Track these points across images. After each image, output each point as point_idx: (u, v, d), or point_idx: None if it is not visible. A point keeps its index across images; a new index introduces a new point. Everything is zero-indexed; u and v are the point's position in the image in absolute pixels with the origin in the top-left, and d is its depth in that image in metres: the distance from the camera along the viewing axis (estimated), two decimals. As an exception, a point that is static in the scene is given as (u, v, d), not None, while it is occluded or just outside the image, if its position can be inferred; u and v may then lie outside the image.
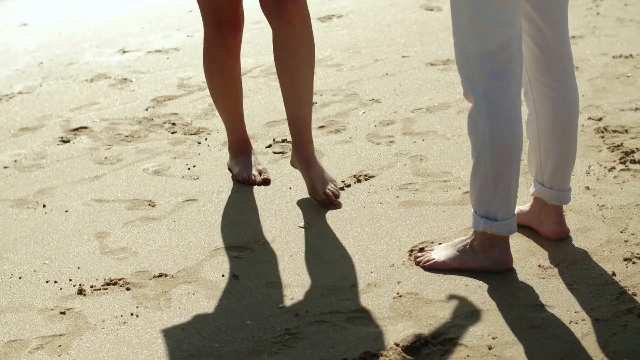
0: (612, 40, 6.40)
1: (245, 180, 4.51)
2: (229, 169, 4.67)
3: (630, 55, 6.03)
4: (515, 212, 3.86)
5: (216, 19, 4.29)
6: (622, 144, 4.61)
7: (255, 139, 5.07)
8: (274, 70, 6.12)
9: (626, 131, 4.80)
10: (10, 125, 5.59)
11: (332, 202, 4.23)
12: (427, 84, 5.79)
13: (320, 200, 4.23)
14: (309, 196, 4.31)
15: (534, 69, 3.57)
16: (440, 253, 3.65)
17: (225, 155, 4.84)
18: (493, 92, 3.36)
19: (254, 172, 4.55)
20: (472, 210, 3.56)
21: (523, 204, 3.95)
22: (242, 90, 4.53)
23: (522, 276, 3.54)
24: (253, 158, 4.62)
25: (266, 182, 4.51)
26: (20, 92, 6.19)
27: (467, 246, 3.59)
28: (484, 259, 3.55)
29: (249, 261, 3.82)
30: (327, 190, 4.24)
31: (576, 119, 3.63)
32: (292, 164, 4.45)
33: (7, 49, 7.30)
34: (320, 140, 4.96)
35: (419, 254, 3.70)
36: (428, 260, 3.64)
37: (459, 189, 4.30)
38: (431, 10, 7.56)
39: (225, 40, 4.34)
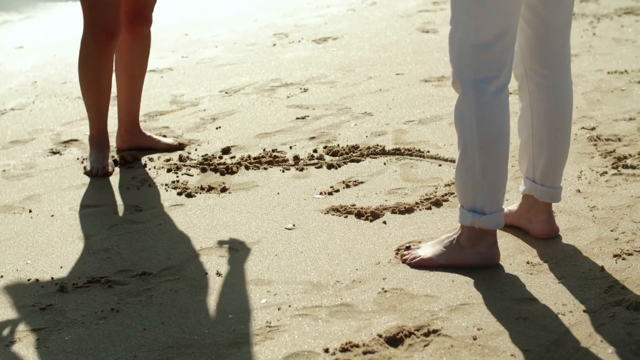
0: (608, 58, 6.37)
1: (95, 172, 4.77)
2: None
3: (625, 71, 6.00)
4: (504, 211, 3.82)
5: (94, 24, 4.66)
6: (614, 151, 4.57)
7: (247, 149, 5.04)
8: (266, 87, 6.13)
9: (619, 139, 4.76)
10: (0, 138, 5.55)
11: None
12: (420, 99, 5.76)
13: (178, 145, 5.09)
14: (297, 201, 4.28)
15: (531, 59, 3.54)
16: (426, 250, 3.60)
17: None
18: (483, 82, 3.33)
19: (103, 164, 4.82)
20: (459, 204, 3.50)
21: (511, 205, 3.90)
22: (110, 90, 4.83)
23: (509, 272, 3.48)
24: (108, 154, 4.89)
25: (106, 174, 4.78)
26: (12, 109, 6.17)
27: (454, 242, 3.54)
28: (472, 254, 3.50)
29: (234, 260, 3.77)
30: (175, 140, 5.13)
31: (570, 112, 3.60)
32: (123, 145, 5.07)
33: (2, 69, 7.29)
34: (309, 150, 4.92)
35: (405, 252, 3.64)
36: (414, 258, 3.58)
37: (449, 193, 4.24)
38: (427, 32, 7.55)
39: (99, 45, 4.69)
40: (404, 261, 3.61)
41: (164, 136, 5.32)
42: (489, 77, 3.34)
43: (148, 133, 5.17)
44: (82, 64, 4.80)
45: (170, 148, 5.12)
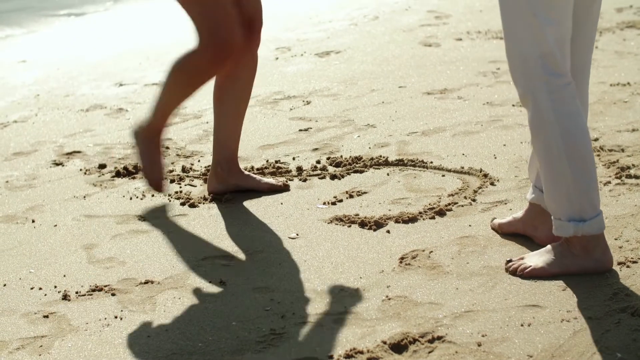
0: (610, 71, 6.38)
1: (155, 186, 4.32)
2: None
3: (628, 83, 6.00)
4: (508, 220, 3.81)
5: (214, 37, 4.11)
6: (617, 161, 4.57)
7: (250, 160, 5.04)
8: (269, 100, 6.14)
9: (622, 150, 4.76)
10: (3, 150, 5.56)
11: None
12: (423, 111, 5.76)
13: (283, 187, 4.58)
14: (300, 211, 4.27)
15: None
16: (534, 260, 3.52)
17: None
18: (557, 92, 3.33)
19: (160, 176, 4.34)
20: (554, 218, 3.46)
21: (516, 213, 3.90)
22: None
23: (513, 279, 3.47)
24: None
25: (160, 188, 4.35)
26: (15, 121, 6.18)
27: (565, 250, 3.49)
28: (586, 261, 3.45)
29: (237, 269, 3.76)
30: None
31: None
32: (217, 187, 4.54)
33: (4, 82, 7.31)
34: (312, 161, 4.92)
35: (508, 265, 3.56)
36: (525, 268, 3.51)
37: (452, 202, 4.24)
38: (429, 46, 7.56)
39: (215, 62, 4.16)
40: (512, 272, 3.54)
41: (263, 174, 4.81)
42: (561, 85, 3.33)
43: (247, 172, 4.63)
44: (185, 72, 4.23)
45: (273, 188, 4.57)
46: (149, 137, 4.33)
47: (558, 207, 3.44)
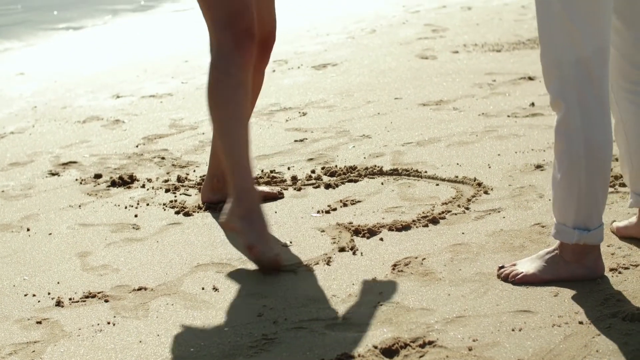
0: (605, 82, 6.39)
1: (267, 262, 3.76)
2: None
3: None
4: (625, 224, 3.82)
5: (230, 26, 3.83)
6: (611, 170, 4.57)
7: (244, 170, 5.05)
8: (265, 111, 6.16)
9: (616, 159, 4.76)
10: (0, 161, 5.58)
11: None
12: (418, 122, 5.78)
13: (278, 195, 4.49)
14: (294, 219, 4.28)
15: (615, 74, 3.53)
16: (526, 266, 3.53)
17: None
18: (588, 99, 3.30)
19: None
20: (557, 222, 3.47)
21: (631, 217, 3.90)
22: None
23: (505, 286, 3.48)
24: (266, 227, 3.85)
25: (277, 265, 3.77)
26: (12, 132, 6.20)
27: (557, 257, 3.50)
28: (578, 268, 3.46)
29: (230, 276, 3.77)
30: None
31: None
32: (213, 197, 4.48)
33: (2, 94, 7.35)
34: (307, 171, 4.94)
35: (500, 271, 3.57)
36: (517, 274, 3.51)
37: (446, 211, 4.25)
38: (426, 58, 7.59)
39: (241, 51, 3.81)
40: (503, 279, 3.54)
41: (257, 184, 4.67)
42: (593, 93, 3.30)
43: None
44: (215, 89, 3.86)
45: (268, 196, 4.50)
46: (242, 212, 3.80)
47: (565, 212, 3.44)
